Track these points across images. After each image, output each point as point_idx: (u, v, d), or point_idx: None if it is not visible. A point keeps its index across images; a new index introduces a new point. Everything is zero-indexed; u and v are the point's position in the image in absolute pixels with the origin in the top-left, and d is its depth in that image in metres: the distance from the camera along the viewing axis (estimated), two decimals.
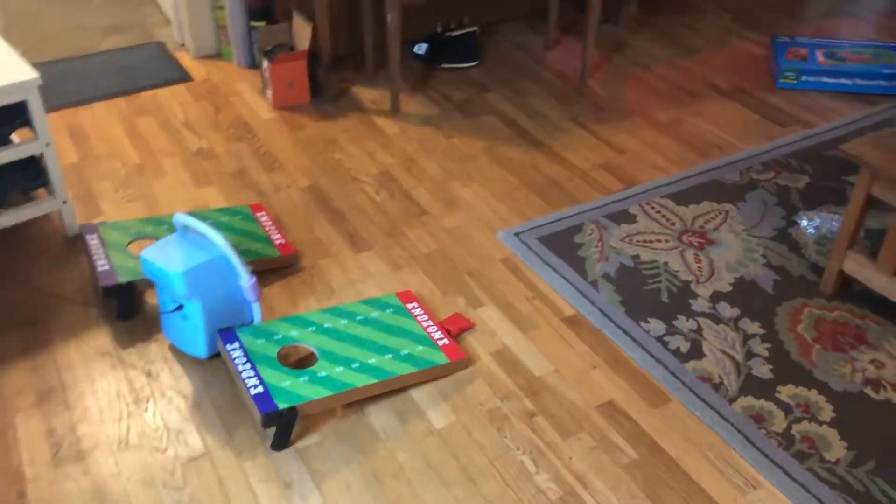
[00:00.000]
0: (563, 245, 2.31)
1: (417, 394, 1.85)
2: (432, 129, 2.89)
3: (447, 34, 3.35)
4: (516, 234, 2.36)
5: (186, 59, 3.29)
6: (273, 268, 2.20)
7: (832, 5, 3.86)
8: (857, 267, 2.04)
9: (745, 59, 3.34)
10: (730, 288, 2.15)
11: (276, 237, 2.25)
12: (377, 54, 3.18)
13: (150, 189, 2.54)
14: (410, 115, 2.97)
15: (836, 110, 2.98)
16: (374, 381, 1.78)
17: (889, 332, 2.00)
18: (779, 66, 3.13)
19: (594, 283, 2.17)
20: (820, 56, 3.15)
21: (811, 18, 3.71)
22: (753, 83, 3.17)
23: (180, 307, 1.85)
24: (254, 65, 3.20)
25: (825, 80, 3.08)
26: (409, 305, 2.02)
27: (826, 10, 3.81)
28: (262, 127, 2.88)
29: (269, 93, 2.98)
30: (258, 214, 2.35)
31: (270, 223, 2.31)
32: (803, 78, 3.10)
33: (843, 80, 3.07)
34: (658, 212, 2.45)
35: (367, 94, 3.10)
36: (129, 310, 2.03)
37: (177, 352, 1.95)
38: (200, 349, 1.89)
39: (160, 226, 2.26)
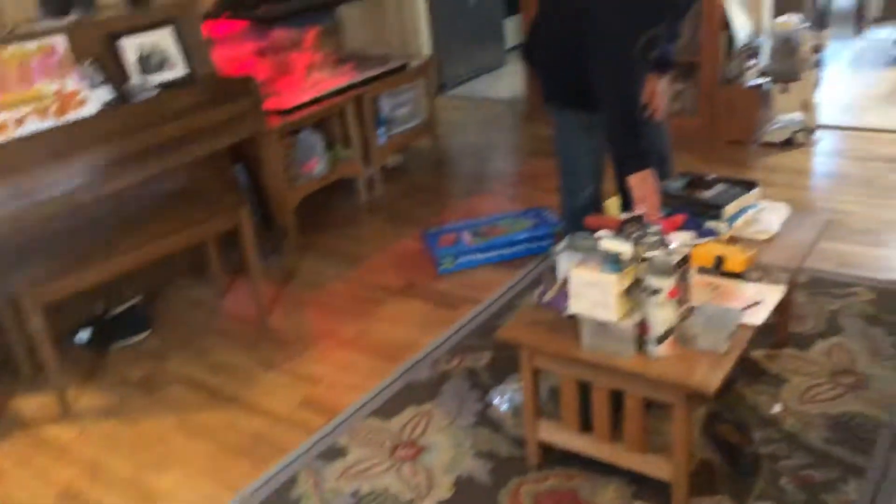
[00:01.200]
0: None
1: None
2: (114, 420, 2.66)
3: (110, 313, 3.18)
4: None
5: None
6: None
7: (468, 188, 4.34)
8: (550, 432, 2.17)
9: (408, 256, 3.59)
10: (451, 492, 2.16)
11: None
12: (32, 356, 2.91)
13: None
14: (86, 412, 2.71)
15: (496, 281, 3.27)
16: None
17: (598, 486, 2.12)
18: (435, 255, 3.40)
19: None
20: (467, 237, 3.49)
21: (453, 204, 4.13)
22: (420, 276, 3.39)
23: None
24: None
25: (477, 256, 3.40)
26: None
27: (463, 193, 4.27)
28: None
29: None
30: None
31: None
32: (459, 260, 3.39)
33: (491, 253, 3.41)
34: (366, 435, 2.44)
35: (29, 403, 2.79)
36: None
37: None
38: None
39: None
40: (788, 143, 4.24)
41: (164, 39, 3.18)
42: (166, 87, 3.16)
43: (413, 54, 4.89)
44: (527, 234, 3.43)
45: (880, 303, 2.76)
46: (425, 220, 3.87)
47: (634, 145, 2.42)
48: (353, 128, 4.04)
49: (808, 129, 4.23)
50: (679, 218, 2.39)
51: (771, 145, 4.28)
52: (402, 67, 4.33)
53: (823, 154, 4.18)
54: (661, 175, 2.76)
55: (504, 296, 3.13)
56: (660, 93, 2.68)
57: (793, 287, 2.47)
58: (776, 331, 2.60)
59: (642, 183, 2.39)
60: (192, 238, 3.00)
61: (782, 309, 2.54)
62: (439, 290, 3.26)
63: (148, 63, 3.12)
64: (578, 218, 2.57)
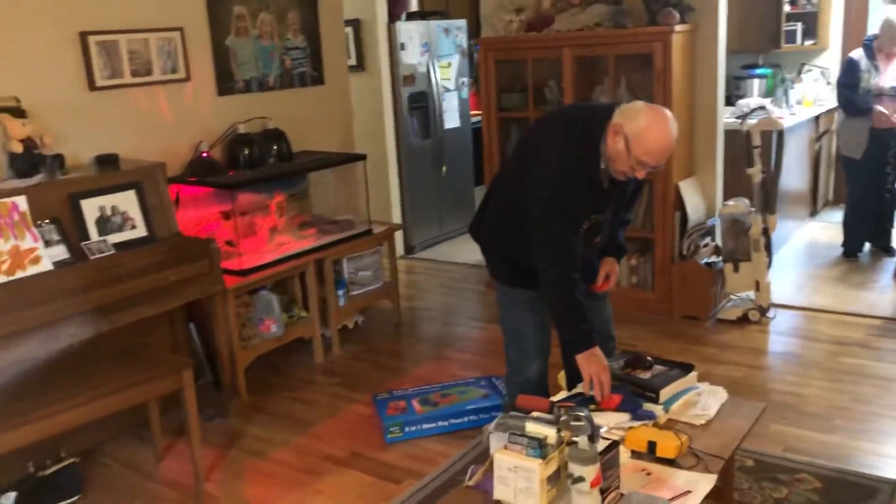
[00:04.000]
0: None
1: None
2: None
3: (41, 473, 3.06)
4: None
5: None
6: None
7: (425, 352, 4.32)
8: None
9: (356, 422, 3.52)
10: None
11: None
12: None
13: None
14: None
15: (441, 453, 3.20)
16: None
17: None
18: (383, 422, 3.33)
19: None
20: (417, 405, 3.44)
21: (409, 368, 4.10)
22: (366, 445, 3.31)
23: None
24: None
25: (425, 426, 3.33)
26: None
27: (420, 357, 4.25)
28: None
29: None
30: None
31: None
32: (407, 429, 3.32)
33: (440, 423, 3.35)
34: None
35: None
36: None
37: None
38: None
39: None
40: (743, 321, 4.31)
41: (126, 201, 3.27)
42: (125, 246, 3.21)
43: (381, 220, 5.03)
44: (476, 405, 3.39)
45: (826, 492, 2.70)
46: (379, 384, 3.83)
47: (577, 326, 2.46)
48: (312, 290, 4.09)
49: (761, 308, 4.31)
50: (616, 398, 2.39)
51: (725, 322, 4.34)
52: (367, 233, 4.45)
53: (776, 333, 4.24)
54: (605, 353, 2.78)
55: (448, 470, 3.05)
56: (615, 273, 2.76)
57: (727, 475, 2.43)
58: None
59: (588, 363, 2.42)
60: (132, 399, 2.94)
61: (724, 496, 2.48)
62: (384, 462, 3.17)
63: (108, 223, 3.19)
64: (524, 394, 2.57)
